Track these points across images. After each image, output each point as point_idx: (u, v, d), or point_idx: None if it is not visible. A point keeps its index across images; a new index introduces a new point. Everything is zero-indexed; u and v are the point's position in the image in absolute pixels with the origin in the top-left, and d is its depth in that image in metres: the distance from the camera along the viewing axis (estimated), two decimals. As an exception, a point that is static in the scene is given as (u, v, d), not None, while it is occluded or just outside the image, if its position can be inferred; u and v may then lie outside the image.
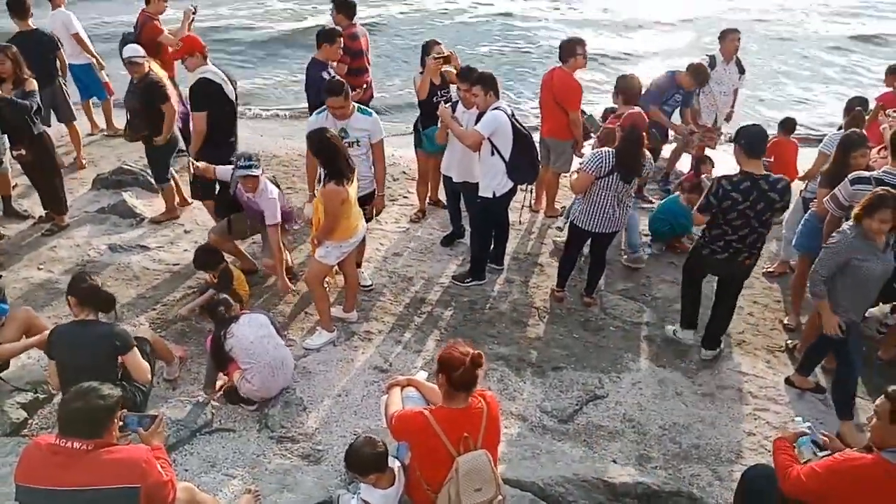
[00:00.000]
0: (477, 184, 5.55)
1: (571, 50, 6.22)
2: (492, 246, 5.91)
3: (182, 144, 6.61)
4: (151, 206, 6.96)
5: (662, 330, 5.38)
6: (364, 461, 3.30)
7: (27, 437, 4.14)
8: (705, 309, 5.19)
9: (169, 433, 4.04)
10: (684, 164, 7.92)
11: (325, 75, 5.99)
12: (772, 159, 7.44)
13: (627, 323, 5.46)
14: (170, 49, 6.55)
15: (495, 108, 5.26)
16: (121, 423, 2.99)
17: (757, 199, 4.38)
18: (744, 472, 3.72)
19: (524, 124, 5.47)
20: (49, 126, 6.70)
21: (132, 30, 7.54)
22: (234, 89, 5.91)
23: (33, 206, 6.72)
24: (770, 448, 4.16)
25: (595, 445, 4.30)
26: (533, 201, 7.00)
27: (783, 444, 3.29)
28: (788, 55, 13.82)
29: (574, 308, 5.60)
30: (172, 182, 6.60)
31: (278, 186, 5.63)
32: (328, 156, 4.61)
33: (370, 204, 5.45)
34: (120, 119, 7.67)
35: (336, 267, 5.13)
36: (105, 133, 8.67)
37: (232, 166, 5.34)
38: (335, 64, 6.27)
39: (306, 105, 6.35)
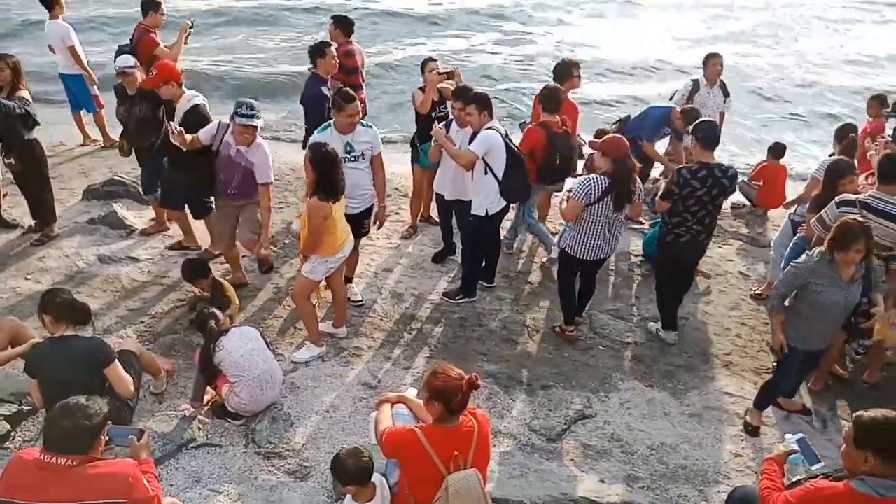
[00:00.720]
0: (469, 202, 5.59)
1: (567, 71, 6.29)
2: (482, 264, 5.93)
3: None
4: (142, 217, 6.94)
5: (651, 350, 5.41)
6: (346, 471, 3.32)
7: (9, 449, 4.09)
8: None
9: (154, 447, 4.00)
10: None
11: (325, 90, 6.04)
12: (761, 183, 7.56)
13: (616, 342, 5.48)
14: (139, 77, 6.00)
15: (489, 128, 5.32)
16: (106, 438, 2.97)
17: (712, 185, 4.89)
18: (730, 493, 3.74)
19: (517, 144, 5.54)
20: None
21: (129, 42, 7.57)
22: None
23: (23, 215, 6.67)
24: (756, 469, 4.20)
25: (583, 465, 4.30)
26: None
27: (770, 468, 3.30)
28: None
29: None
30: None
31: None
32: (325, 169, 4.61)
33: (368, 217, 5.50)
34: (114, 130, 7.64)
35: (324, 282, 5.13)
36: (101, 145, 8.66)
37: (212, 126, 5.15)
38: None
39: (293, 121, 6.35)
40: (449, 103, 6.11)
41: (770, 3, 18.26)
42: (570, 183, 5.19)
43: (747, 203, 7.76)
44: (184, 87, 5.68)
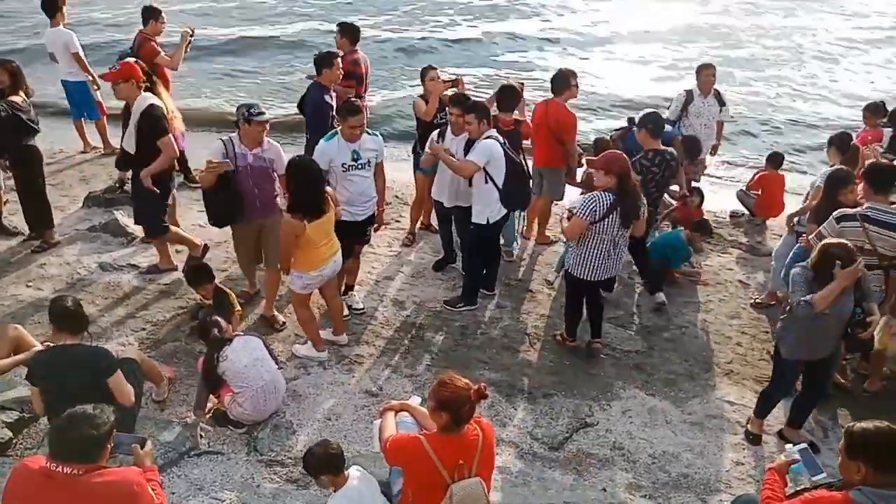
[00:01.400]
0: (468, 207, 5.62)
1: (565, 81, 6.32)
2: (484, 271, 5.95)
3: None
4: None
5: (652, 358, 5.43)
6: (316, 458, 3.41)
7: (12, 457, 4.08)
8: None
9: (156, 455, 3.99)
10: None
11: (328, 98, 6.06)
12: (759, 192, 7.59)
13: (617, 350, 5.49)
14: (108, 69, 5.77)
15: (488, 137, 5.35)
16: (111, 445, 2.97)
17: (665, 168, 5.63)
18: (731, 502, 3.74)
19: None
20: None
21: (129, 50, 7.58)
22: None
23: (24, 222, 6.67)
24: (758, 478, 4.20)
25: (585, 473, 4.30)
26: (524, 228, 7.08)
27: (772, 478, 3.30)
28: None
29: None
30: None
31: None
32: (299, 184, 4.54)
33: (372, 225, 5.54)
34: (115, 138, 7.66)
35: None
36: (101, 152, 8.67)
37: (218, 147, 5.07)
38: (337, 88, 6.36)
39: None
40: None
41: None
42: (572, 200, 5.17)
43: (746, 212, 7.80)
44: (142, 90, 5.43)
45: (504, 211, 5.54)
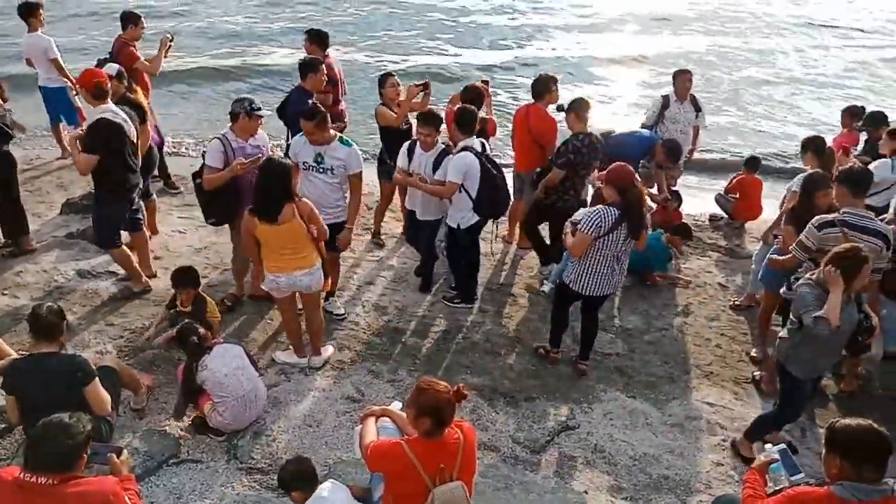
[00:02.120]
0: (438, 220, 5.74)
1: (546, 86, 6.36)
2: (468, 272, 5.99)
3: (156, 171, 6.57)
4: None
5: (633, 361, 5.46)
6: (288, 473, 3.45)
7: (-14, 468, 4.01)
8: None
9: (135, 464, 3.94)
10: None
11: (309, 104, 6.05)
12: (737, 196, 7.68)
13: (598, 353, 5.51)
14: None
15: (463, 149, 5.37)
16: (88, 454, 2.93)
17: (593, 149, 5.84)
18: (711, 503, 3.77)
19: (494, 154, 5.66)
20: None
21: (108, 55, 7.52)
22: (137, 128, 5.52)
23: (-2, 230, 6.58)
24: (738, 478, 4.24)
25: (567, 476, 4.32)
26: (505, 232, 7.11)
27: (752, 477, 3.34)
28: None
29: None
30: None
31: None
32: (257, 182, 4.49)
33: (337, 233, 5.41)
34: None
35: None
36: None
37: (217, 146, 5.08)
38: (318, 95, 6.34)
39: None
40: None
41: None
42: (576, 214, 4.99)
43: (724, 215, 7.88)
44: (108, 100, 5.23)
45: (476, 217, 5.58)
